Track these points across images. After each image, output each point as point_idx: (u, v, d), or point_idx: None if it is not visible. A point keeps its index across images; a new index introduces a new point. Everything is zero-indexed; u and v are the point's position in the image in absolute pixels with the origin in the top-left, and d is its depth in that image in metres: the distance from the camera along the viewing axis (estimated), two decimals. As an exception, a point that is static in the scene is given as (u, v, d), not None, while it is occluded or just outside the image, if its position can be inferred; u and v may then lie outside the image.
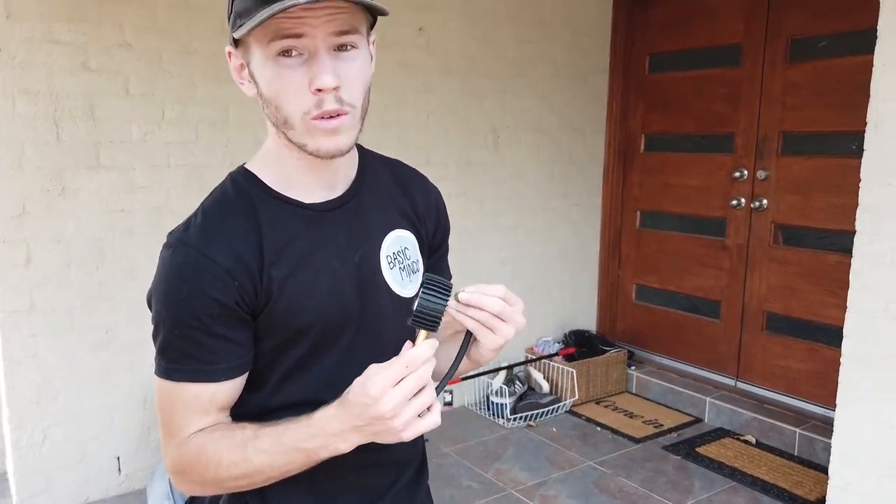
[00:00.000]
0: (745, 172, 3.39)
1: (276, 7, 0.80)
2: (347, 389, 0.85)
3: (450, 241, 1.17)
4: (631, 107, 3.93)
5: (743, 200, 3.41)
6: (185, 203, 2.69)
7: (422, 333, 0.85)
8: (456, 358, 0.92)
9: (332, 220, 0.98)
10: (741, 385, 3.52)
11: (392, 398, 0.79)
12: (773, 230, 3.33)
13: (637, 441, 3.24)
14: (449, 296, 0.84)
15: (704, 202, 3.61)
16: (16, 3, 2.32)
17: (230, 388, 0.94)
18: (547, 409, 3.47)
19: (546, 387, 3.62)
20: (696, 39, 3.59)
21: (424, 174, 1.14)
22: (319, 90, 0.84)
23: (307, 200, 0.97)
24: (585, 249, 4.00)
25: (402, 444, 0.86)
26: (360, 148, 1.06)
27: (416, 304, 0.83)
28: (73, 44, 2.43)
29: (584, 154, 3.89)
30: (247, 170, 0.99)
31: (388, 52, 3.03)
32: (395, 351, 0.98)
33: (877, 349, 2.18)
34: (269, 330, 0.94)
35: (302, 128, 0.88)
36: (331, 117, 0.87)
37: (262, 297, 0.92)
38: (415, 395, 0.81)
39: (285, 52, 0.85)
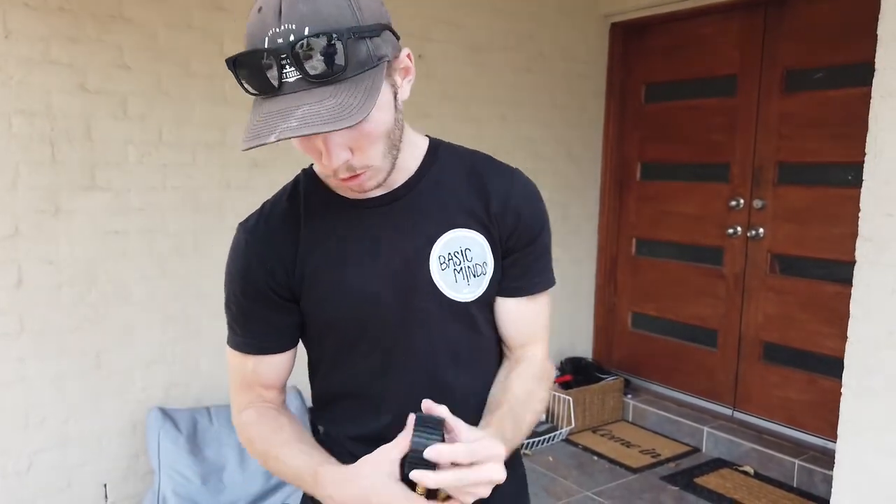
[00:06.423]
0: (742, 201, 3.40)
1: (247, 144, 0.84)
2: (358, 477, 0.86)
3: None
4: (627, 135, 3.95)
5: (739, 229, 3.41)
6: (179, 225, 2.66)
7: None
8: None
9: (377, 215, 0.97)
10: (738, 415, 3.48)
11: None
12: (769, 259, 3.33)
13: (634, 471, 3.20)
14: (439, 434, 0.80)
15: (701, 230, 3.61)
16: (14, 22, 2.31)
17: (268, 367, 1.02)
18: (543, 437, 3.43)
19: (542, 415, 3.58)
20: (692, 69, 3.62)
21: (516, 168, 1.06)
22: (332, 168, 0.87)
23: (355, 196, 0.97)
24: (582, 276, 3.99)
25: None
26: (434, 141, 1.04)
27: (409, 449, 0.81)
28: (72, 65, 2.42)
29: (580, 181, 3.90)
30: (311, 166, 1.03)
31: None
32: (436, 354, 0.98)
33: (879, 379, 2.16)
34: (309, 317, 1.00)
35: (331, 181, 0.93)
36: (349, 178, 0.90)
37: (296, 284, 0.98)
38: None
39: None
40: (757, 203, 3.34)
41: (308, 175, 1.02)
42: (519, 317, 1.05)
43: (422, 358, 0.98)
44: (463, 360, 1.01)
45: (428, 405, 0.84)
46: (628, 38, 3.87)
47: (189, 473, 2.48)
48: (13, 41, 2.31)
